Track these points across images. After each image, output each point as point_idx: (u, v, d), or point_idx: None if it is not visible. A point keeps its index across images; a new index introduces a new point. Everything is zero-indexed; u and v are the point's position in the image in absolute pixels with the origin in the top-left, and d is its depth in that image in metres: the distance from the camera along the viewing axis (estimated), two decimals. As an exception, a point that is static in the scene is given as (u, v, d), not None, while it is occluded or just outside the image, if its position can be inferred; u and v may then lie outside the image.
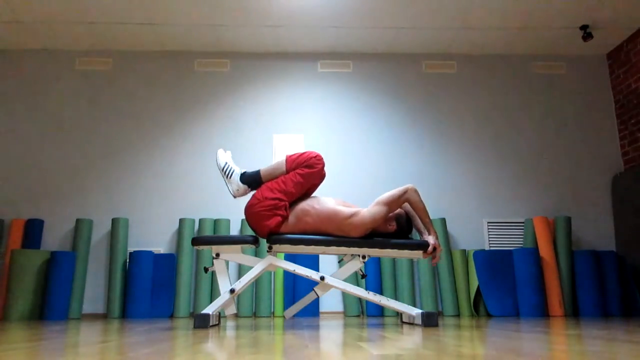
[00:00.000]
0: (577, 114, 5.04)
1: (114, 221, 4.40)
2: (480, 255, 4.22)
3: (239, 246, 2.69)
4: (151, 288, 4.22)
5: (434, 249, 2.66)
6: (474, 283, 4.20)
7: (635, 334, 1.91)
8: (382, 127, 4.95)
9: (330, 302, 4.47)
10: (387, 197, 2.64)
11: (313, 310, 4.23)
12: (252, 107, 4.95)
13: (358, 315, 4.29)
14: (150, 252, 4.28)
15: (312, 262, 4.33)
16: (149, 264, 4.24)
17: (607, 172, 4.89)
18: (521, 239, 4.69)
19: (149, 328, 2.55)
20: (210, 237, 2.71)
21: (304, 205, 2.65)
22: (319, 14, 4.44)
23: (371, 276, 4.32)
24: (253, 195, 2.64)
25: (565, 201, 4.81)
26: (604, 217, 4.78)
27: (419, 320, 2.60)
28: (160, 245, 4.58)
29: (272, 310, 4.32)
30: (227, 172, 2.70)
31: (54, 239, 4.53)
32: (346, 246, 2.63)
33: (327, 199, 2.70)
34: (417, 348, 1.44)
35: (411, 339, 1.75)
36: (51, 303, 3.97)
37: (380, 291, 4.32)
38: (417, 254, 2.69)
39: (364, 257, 2.70)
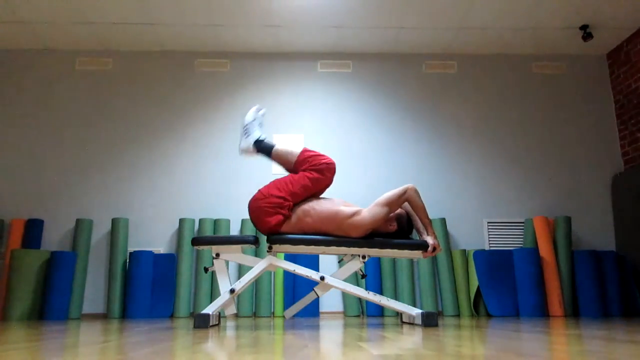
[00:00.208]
0: (577, 114, 5.04)
1: (114, 221, 4.40)
2: (480, 255, 4.22)
3: (239, 246, 2.69)
4: (151, 288, 4.22)
5: (434, 249, 2.67)
6: (474, 283, 4.20)
7: (635, 334, 1.91)
8: (382, 127, 4.95)
9: (330, 302, 4.47)
10: (388, 198, 2.64)
11: (313, 310, 4.23)
12: (252, 107, 4.94)
13: (358, 315, 4.29)
14: (150, 252, 4.28)
15: (312, 262, 4.33)
16: (149, 264, 4.24)
17: (607, 172, 4.89)
18: (521, 239, 4.69)
19: (149, 328, 2.55)
20: (210, 237, 2.71)
21: (305, 205, 2.65)
22: (319, 14, 4.44)
23: (371, 276, 4.32)
24: (259, 190, 2.65)
25: (565, 201, 4.81)
26: (604, 217, 4.78)
27: (419, 320, 2.60)
28: (160, 245, 4.58)
29: (272, 310, 4.32)
30: (246, 130, 2.79)
31: (54, 239, 4.53)
32: (346, 246, 2.63)
33: (328, 199, 2.71)
34: (417, 348, 1.44)
35: (411, 339, 1.75)
36: (51, 303, 3.97)
37: (380, 291, 4.32)
38: (417, 254, 2.70)
39: (364, 257, 2.70)
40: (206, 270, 2.71)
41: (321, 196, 2.78)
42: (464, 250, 4.40)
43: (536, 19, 4.52)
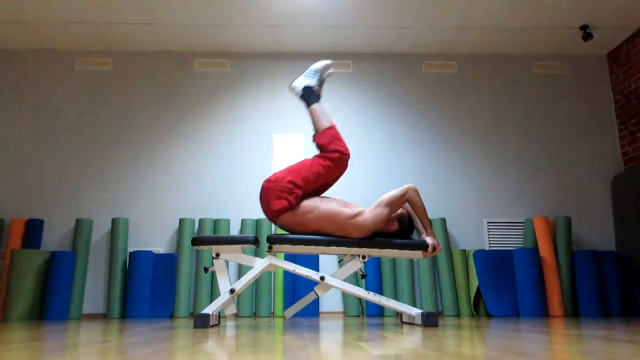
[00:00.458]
0: (577, 114, 5.04)
1: (114, 221, 4.40)
2: (480, 255, 4.22)
3: (239, 246, 2.69)
4: (151, 288, 4.22)
5: (434, 249, 2.68)
6: (474, 283, 4.20)
7: (635, 334, 1.91)
8: (382, 127, 4.95)
9: (330, 302, 4.47)
10: (389, 198, 2.64)
11: (313, 310, 4.23)
12: (252, 107, 4.95)
13: (358, 315, 4.29)
14: (150, 252, 4.28)
15: (312, 262, 4.33)
16: (149, 264, 4.24)
17: (607, 172, 4.89)
18: (521, 239, 4.68)
19: (149, 328, 2.55)
20: (210, 237, 2.71)
21: (311, 202, 2.66)
22: (319, 14, 4.44)
23: (371, 276, 4.32)
24: (273, 174, 2.68)
25: (565, 201, 4.81)
26: (604, 217, 4.78)
27: (418, 320, 2.60)
28: (160, 245, 4.58)
29: (272, 310, 4.32)
30: (307, 73, 2.90)
31: (54, 239, 4.53)
32: (346, 246, 2.64)
33: (333, 199, 2.72)
34: (417, 348, 1.44)
35: (411, 339, 1.75)
36: (51, 303, 3.97)
37: (380, 291, 4.32)
38: (417, 254, 2.70)
39: (364, 257, 2.71)
40: (206, 270, 2.71)
41: (325, 197, 2.79)
42: (464, 250, 4.40)
43: (536, 19, 4.52)
